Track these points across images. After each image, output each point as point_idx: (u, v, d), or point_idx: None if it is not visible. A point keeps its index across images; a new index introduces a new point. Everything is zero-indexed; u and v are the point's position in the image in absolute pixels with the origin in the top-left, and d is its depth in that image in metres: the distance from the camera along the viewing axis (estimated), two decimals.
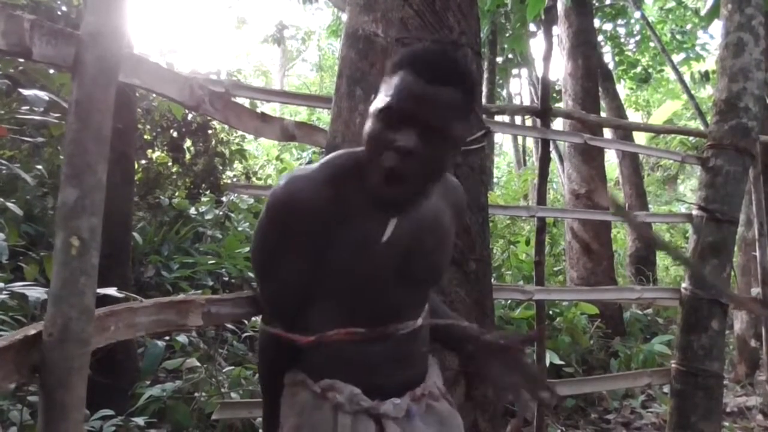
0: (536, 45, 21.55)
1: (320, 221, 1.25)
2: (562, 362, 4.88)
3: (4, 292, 2.31)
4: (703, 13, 8.09)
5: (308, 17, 37.78)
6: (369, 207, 1.26)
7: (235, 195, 6.43)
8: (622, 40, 11.82)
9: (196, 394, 3.41)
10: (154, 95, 5.29)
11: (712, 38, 12.46)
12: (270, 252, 1.32)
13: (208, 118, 5.63)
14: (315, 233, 1.25)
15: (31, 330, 1.08)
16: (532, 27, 9.72)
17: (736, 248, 5.05)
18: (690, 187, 17.07)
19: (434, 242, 1.38)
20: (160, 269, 4.87)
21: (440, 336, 1.55)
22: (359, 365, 1.34)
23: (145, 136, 6.24)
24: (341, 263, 1.27)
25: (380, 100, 1.21)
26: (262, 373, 1.50)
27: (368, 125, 1.23)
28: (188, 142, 6.70)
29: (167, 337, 3.74)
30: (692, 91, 9.66)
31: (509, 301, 5.40)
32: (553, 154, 9.45)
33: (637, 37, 11.82)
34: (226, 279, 5.13)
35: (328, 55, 24.16)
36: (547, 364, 3.95)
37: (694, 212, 3.59)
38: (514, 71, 11.99)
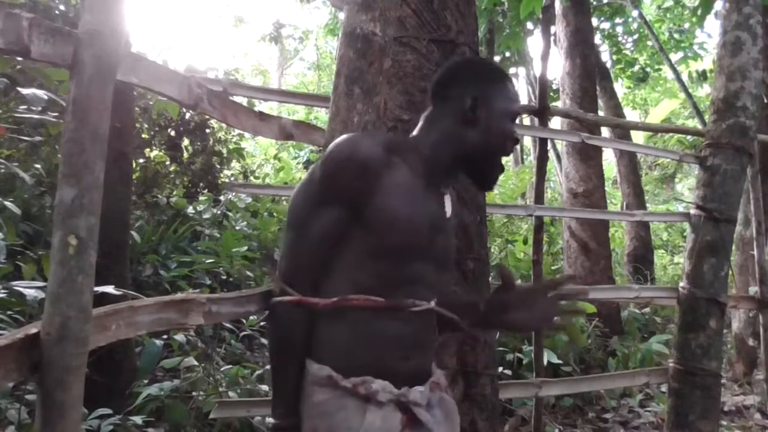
0: (534, 44, 21.58)
1: (373, 176, 1.35)
2: (559, 361, 4.88)
3: (3, 290, 2.31)
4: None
5: (306, 16, 37.88)
6: (416, 183, 1.41)
7: (233, 194, 6.43)
8: (620, 38, 11.81)
9: (193, 393, 3.41)
10: (151, 94, 5.29)
11: (710, 37, 12.50)
12: (315, 203, 1.39)
13: (206, 117, 5.62)
14: (365, 188, 1.34)
15: (32, 329, 1.07)
16: (529, 25, 9.72)
17: (734, 247, 5.07)
18: (688, 186, 17.12)
19: (451, 231, 1.55)
20: (157, 268, 4.87)
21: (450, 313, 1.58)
22: (379, 344, 1.38)
23: (143, 135, 6.24)
24: (385, 215, 1.35)
25: (511, 105, 1.50)
26: (276, 349, 1.43)
27: (502, 124, 1.48)
28: (186, 141, 6.69)
29: (165, 336, 3.74)
30: (690, 90, 9.67)
31: None
32: (551, 153, 9.46)
33: (635, 36, 11.80)
34: (224, 278, 5.13)
35: (326, 54, 24.13)
36: (545, 362, 3.95)
37: (692, 211, 3.60)
38: (512, 70, 11.95)
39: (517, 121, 1.58)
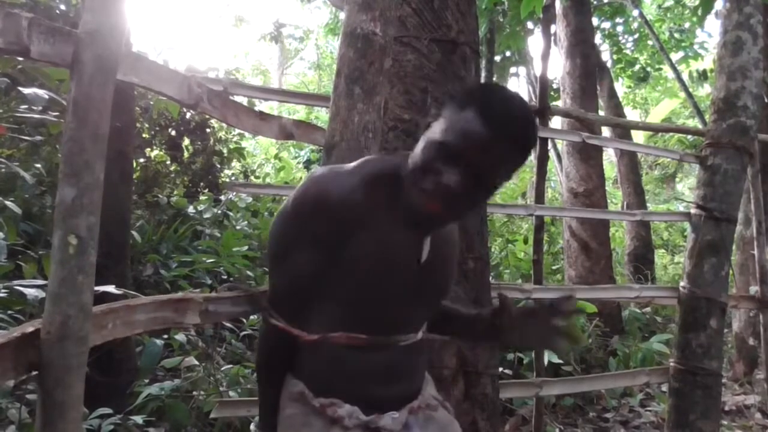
0: (534, 43, 21.57)
1: (345, 223, 1.25)
2: (560, 361, 4.88)
3: (3, 289, 2.31)
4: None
5: (306, 15, 37.90)
6: (397, 220, 1.27)
7: (234, 193, 6.43)
8: (621, 38, 11.80)
9: (194, 393, 3.41)
10: (152, 93, 5.29)
11: (711, 36, 12.47)
12: (288, 242, 1.31)
13: (207, 116, 5.63)
14: (336, 233, 1.25)
15: (29, 327, 1.08)
16: (529, 25, 9.71)
17: (734, 247, 5.06)
18: (688, 186, 17.11)
19: (446, 265, 1.45)
20: (158, 268, 4.86)
21: (452, 325, 1.61)
22: (358, 374, 1.35)
23: (144, 135, 6.23)
24: (358, 268, 1.28)
25: (443, 133, 1.20)
26: (260, 364, 1.46)
27: (422, 150, 1.22)
28: (186, 141, 6.69)
29: (166, 336, 3.74)
30: (690, 90, 9.66)
31: None
32: (551, 153, 9.45)
33: (636, 36, 11.80)
34: (225, 277, 5.13)
35: (327, 54, 24.11)
36: (546, 362, 3.95)
37: (693, 211, 3.60)
38: (512, 69, 11.94)
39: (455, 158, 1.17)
